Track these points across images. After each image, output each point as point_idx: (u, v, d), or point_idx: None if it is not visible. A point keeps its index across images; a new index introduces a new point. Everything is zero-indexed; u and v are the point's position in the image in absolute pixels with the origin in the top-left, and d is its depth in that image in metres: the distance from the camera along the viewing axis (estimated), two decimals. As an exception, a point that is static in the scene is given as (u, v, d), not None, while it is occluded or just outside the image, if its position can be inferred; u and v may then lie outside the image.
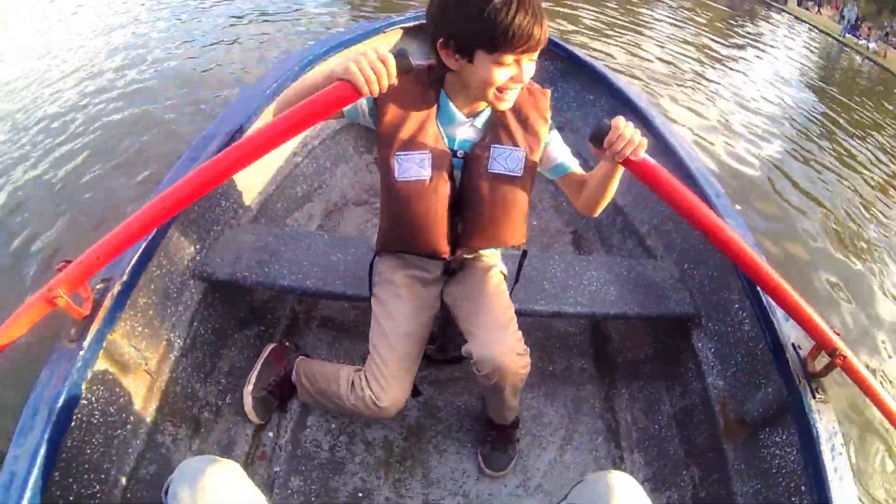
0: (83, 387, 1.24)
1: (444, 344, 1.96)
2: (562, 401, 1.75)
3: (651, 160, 1.22)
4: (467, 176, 1.35)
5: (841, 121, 7.91)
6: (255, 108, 2.02)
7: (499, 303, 1.49)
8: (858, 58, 18.20)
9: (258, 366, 1.81)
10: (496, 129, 1.34)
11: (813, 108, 8.18)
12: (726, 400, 1.68)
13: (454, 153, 1.34)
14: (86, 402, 1.26)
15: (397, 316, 1.48)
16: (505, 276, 1.63)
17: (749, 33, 14.20)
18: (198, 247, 1.80)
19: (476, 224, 1.40)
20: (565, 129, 2.90)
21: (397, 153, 1.30)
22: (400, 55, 1.07)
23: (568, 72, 3.07)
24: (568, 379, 2.03)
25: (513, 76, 1.20)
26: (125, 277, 1.37)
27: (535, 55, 1.20)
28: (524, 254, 1.61)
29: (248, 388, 1.77)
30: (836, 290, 3.68)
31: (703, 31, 12.36)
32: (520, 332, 1.46)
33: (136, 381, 1.49)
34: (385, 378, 1.42)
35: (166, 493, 0.92)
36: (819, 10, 29.44)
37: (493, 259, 1.61)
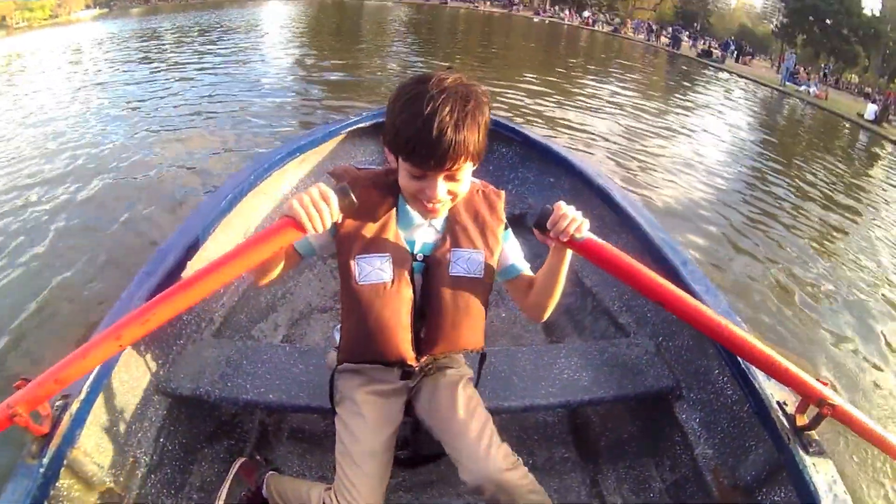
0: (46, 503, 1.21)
1: (417, 447, 1.87)
2: (546, 492, 1.65)
3: (596, 238, 1.24)
4: (428, 279, 1.34)
5: (792, 169, 8.21)
6: (211, 220, 2.01)
7: (477, 421, 1.42)
8: (801, 104, 19.00)
9: (227, 482, 1.72)
10: (455, 231, 1.34)
11: (763, 161, 8.54)
12: (718, 467, 1.63)
13: (414, 257, 1.33)
14: None
15: (360, 435, 1.41)
16: (472, 380, 1.57)
17: (693, 95, 14.89)
18: (160, 362, 1.76)
19: (437, 329, 1.36)
20: (528, 216, 2.91)
21: (357, 256, 1.29)
22: (342, 191, 1.12)
23: (526, 156, 3.10)
24: (550, 470, 1.94)
25: (423, 189, 1.20)
26: (83, 395, 1.34)
27: (457, 173, 1.20)
28: (482, 357, 1.55)
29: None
30: (819, 333, 3.71)
31: (648, 97, 12.94)
32: (505, 446, 1.39)
33: (102, 499, 1.44)
34: (353, 498, 1.35)
35: None
36: (750, 61, 30.90)
37: (459, 368, 1.56)
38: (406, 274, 1.31)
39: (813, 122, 15.84)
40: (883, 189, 8.85)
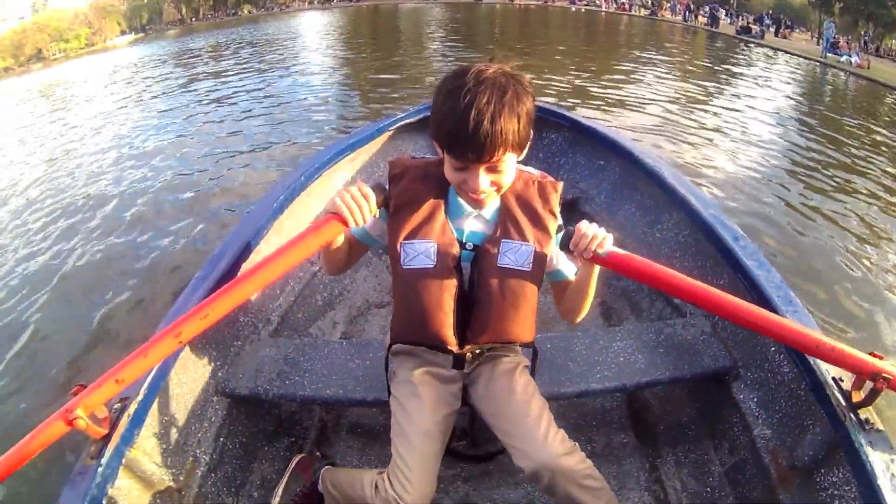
0: (104, 502, 1.24)
1: (475, 439, 1.90)
2: (605, 480, 1.66)
3: (620, 251, 1.29)
4: (477, 269, 1.37)
5: (841, 140, 7.94)
6: (264, 222, 2.06)
7: (534, 407, 1.44)
8: (843, 74, 18.38)
9: (285, 477, 1.78)
10: (506, 222, 1.36)
11: (810, 135, 8.27)
12: (776, 448, 1.60)
13: (463, 245, 1.36)
14: None
15: (415, 415, 1.45)
16: (527, 366, 1.59)
17: (734, 73, 14.53)
18: (219, 363, 1.81)
19: (485, 318, 1.39)
20: (581, 201, 2.93)
21: (404, 241, 1.34)
22: (379, 188, 1.26)
23: (575, 141, 3.10)
24: (609, 456, 1.93)
25: (466, 181, 1.24)
26: (141, 396, 1.39)
27: (499, 165, 1.23)
28: (535, 353, 1.57)
29: (275, 500, 1.73)
30: (871, 292, 3.64)
31: (690, 77, 12.72)
32: (562, 432, 1.41)
33: (163, 498, 1.47)
34: (407, 478, 1.38)
35: None
36: (790, 34, 30.02)
37: (515, 356, 1.57)
38: (451, 261, 1.34)
39: (857, 93, 15.30)
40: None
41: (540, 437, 1.37)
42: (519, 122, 1.18)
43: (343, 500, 1.59)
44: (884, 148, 8.13)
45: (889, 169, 6.82)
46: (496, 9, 41.61)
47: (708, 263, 2.07)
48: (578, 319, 1.49)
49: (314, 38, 22.14)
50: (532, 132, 1.27)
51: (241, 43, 21.34)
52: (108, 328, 3.37)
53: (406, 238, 1.34)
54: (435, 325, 1.38)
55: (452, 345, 1.40)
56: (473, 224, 1.37)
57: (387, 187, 1.29)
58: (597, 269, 1.35)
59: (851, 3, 33.65)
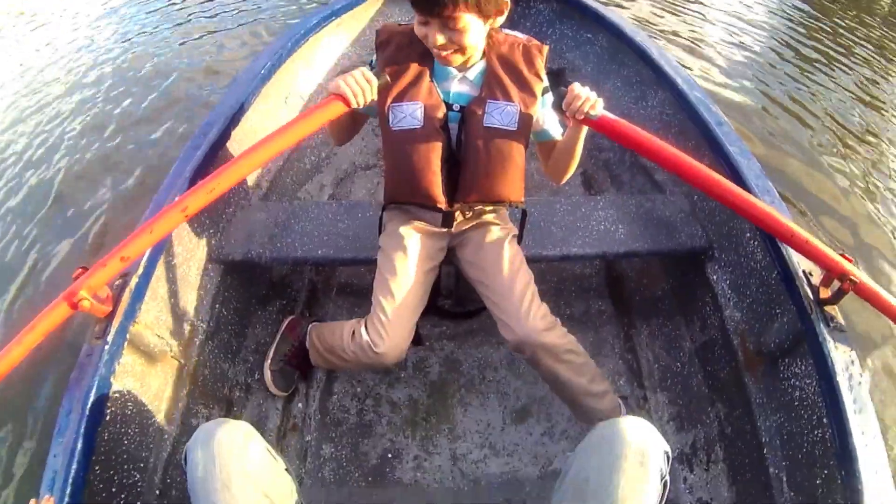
0: (112, 380, 1.28)
1: (459, 298, 1.97)
2: (581, 344, 1.69)
3: (610, 115, 1.32)
4: (464, 130, 1.40)
5: (824, 22, 7.75)
6: (251, 89, 2.03)
7: (520, 282, 1.50)
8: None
9: (276, 341, 1.86)
10: (491, 84, 1.38)
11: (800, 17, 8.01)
12: (745, 332, 1.66)
13: (450, 106, 1.39)
14: (117, 395, 1.31)
15: (398, 266, 1.51)
16: (515, 235, 1.63)
17: None
18: (211, 231, 1.82)
19: (472, 177, 1.43)
20: (566, 72, 2.88)
21: (392, 104, 1.38)
22: (379, 74, 1.32)
23: (563, 13, 3.02)
24: (587, 322, 2.02)
25: (426, 36, 1.29)
26: (141, 270, 1.41)
27: (457, 23, 1.24)
28: (524, 214, 1.61)
29: (267, 362, 1.82)
30: (848, 196, 3.62)
31: None
32: (544, 306, 1.48)
33: (165, 369, 1.53)
34: (383, 326, 1.46)
35: (185, 460, 0.96)
36: None
37: (504, 224, 1.62)
38: (438, 122, 1.38)
39: None
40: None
41: (523, 312, 1.44)
42: None
43: (325, 351, 1.68)
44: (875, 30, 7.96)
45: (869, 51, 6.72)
46: None
47: (690, 144, 2.06)
48: (564, 180, 1.54)
49: None
50: (501, 3, 1.29)
51: None
52: (101, 213, 3.29)
53: (394, 101, 1.38)
54: (424, 184, 1.42)
55: (441, 203, 1.45)
56: (459, 86, 1.40)
57: (386, 75, 1.34)
58: (584, 130, 1.38)
59: None
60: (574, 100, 1.28)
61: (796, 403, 1.40)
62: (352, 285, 2.20)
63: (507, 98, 1.37)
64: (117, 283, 1.36)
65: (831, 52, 6.75)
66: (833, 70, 6.09)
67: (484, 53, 1.39)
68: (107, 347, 1.26)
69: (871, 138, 4.58)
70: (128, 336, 1.35)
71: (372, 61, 1.44)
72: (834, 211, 3.46)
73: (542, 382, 1.75)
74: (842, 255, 1.26)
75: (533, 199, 1.87)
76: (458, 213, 1.55)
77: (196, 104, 4.33)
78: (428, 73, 1.38)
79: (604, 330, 2.01)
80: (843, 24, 8.23)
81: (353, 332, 1.51)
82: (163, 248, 1.54)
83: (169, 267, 1.62)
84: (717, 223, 1.89)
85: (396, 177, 1.48)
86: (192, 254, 1.73)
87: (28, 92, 5.31)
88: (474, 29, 1.27)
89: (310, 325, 1.81)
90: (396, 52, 1.39)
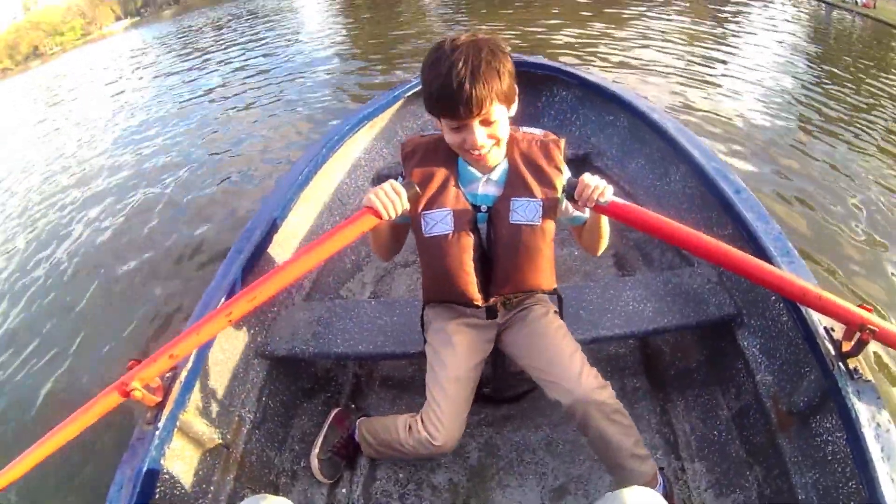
0: (162, 463, 1.37)
1: (497, 385, 2.02)
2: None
3: (620, 201, 1.38)
4: (492, 228, 1.48)
5: (846, 84, 7.84)
6: (291, 195, 2.17)
7: (568, 346, 1.57)
8: (849, 15, 17.91)
9: (324, 430, 1.92)
10: (514, 182, 1.46)
11: (815, 77, 8.03)
12: (777, 394, 1.68)
13: (478, 208, 1.48)
14: (167, 477, 1.40)
15: (448, 361, 1.58)
16: (556, 311, 1.70)
17: (735, 17, 14.14)
18: (256, 329, 1.94)
19: (504, 272, 1.51)
20: (593, 156, 2.98)
21: (423, 212, 1.46)
22: (409, 185, 1.38)
23: (584, 97, 3.16)
24: (622, 399, 1.95)
25: (465, 139, 1.34)
26: (190, 364, 1.50)
27: (490, 117, 1.33)
28: (559, 299, 1.69)
29: (315, 451, 1.87)
30: (871, 250, 3.64)
31: (689, 22, 12.33)
32: (595, 369, 1.54)
33: (213, 456, 1.61)
34: (440, 419, 1.52)
35: None
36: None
37: (543, 303, 1.69)
38: (468, 225, 1.46)
39: (863, 34, 15.01)
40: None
41: (575, 372, 1.50)
42: (499, 76, 1.29)
43: (378, 445, 1.75)
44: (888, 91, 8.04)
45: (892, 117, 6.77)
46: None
47: (713, 215, 2.13)
48: (600, 252, 1.61)
49: (313, 8, 21.44)
50: (516, 87, 1.38)
51: (238, 19, 20.98)
52: (146, 309, 3.54)
53: (424, 209, 1.46)
54: (460, 285, 1.50)
55: (478, 300, 1.53)
56: (484, 188, 1.48)
57: (416, 186, 1.41)
58: (603, 216, 1.46)
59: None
60: (584, 189, 1.35)
61: (829, 458, 1.41)
62: (393, 378, 2.26)
63: (530, 194, 1.44)
64: (168, 374, 1.45)
65: (847, 111, 6.83)
66: (851, 128, 6.17)
67: (505, 155, 1.47)
68: (157, 433, 1.35)
69: (886, 187, 4.62)
70: (178, 423, 1.44)
71: (402, 172, 1.52)
72: (859, 262, 3.48)
73: (579, 461, 1.81)
74: (860, 306, 1.27)
75: (563, 285, 1.94)
76: (498, 306, 1.63)
77: (241, 204, 4.60)
78: (454, 178, 1.47)
79: (639, 405, 2.02)
80: (861, 81, 8.36)
81: (410, 427, 1.58)
82: (211, 343, 1.65)
83: (217, 361, 1.73)
84: (743, 289, 1.92)
85: (433, 279, 1.56)
86: (238, 349, 1.84)
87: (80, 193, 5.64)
88: (503, 118, 1.36)
89: (358, 420, 1.89)
90: (422, 162, 1.47)
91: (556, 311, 1.69)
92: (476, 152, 1.37)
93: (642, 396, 2.06)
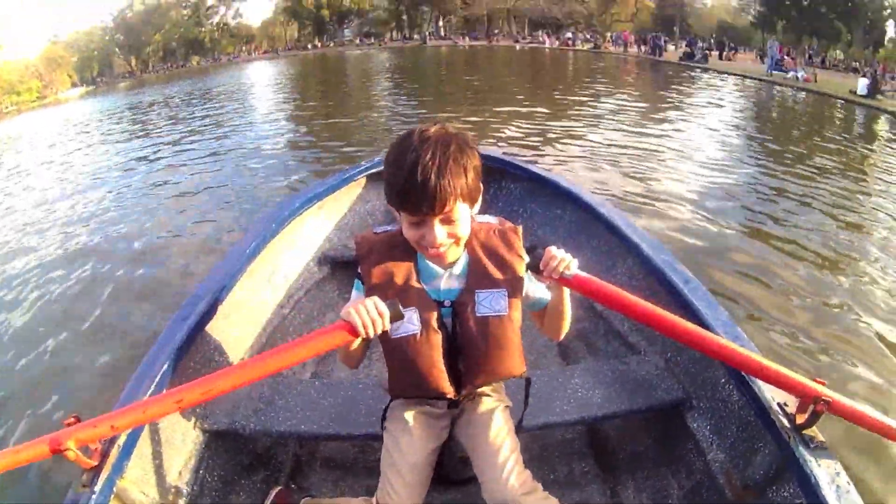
0: None
1: (446, 468, 1.95)
2: None
3: (583, 274, 1.38)
4: (458, 322, 1.44)
5: (789, 155, 8.22)
6: (238, 267, 2.18)
7: (505, 448, 1.53)
8: (791, 91, 18.85)
9: None
10: (476, 274, 1.43)
11: (761, 153, 8.56)
12: (730, 470, 1.68)
13: (441, 304, 1.44)
14: None
15: (406, 448, 1.53)
16: (509, 407, 1.67)
17: (681, 100, 14.88)
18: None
19: (474, 364, 1.47)
20: (538, 248, 3.05)
21: None
22: (392, 305, 1.29)
23: (533, 191, 3.22)
24: (571, 483, 2.02)
25: (424, 235, 1.31)
26: (130, 430, 1.44)
27: (451, 215, 1.29)
28: (528, 382, 1.65)
29: None
30: (822, 315, 3.78)
31: (637, 109, 13.00)
32: (527, 472, 1.50)
33: None
34: None
35: None
36: (735, 56, 30.78)
37: (496, 396, 1.66)
38: (434, 322, 1.42)
39: (806, 107, 15.71)
40: (888, 164, 8.71)
41: (504, 475, 1.45)
42: (465, 173, 1.26)
43: None
44: (834, 157, 8.40)
45: (839, 179, 7.07)
46: (441, 51, 42.44)
47: (661, 306, 2.18)
48: (563, 334, 1.58)
49: (264, 90, 22.41)
50: (481, 185, 1.36)
51: (192, 97, 21.66)
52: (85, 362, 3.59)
53: None
54: (431, 382, 1.46)
55: (450, 393, 1.49)
56: (447, 283, 1.44)
57: (399, 306, 1.33)
58: (567, 291, 1.46)
59: (794, 20, 34.90)
60: (550, 261, 1.35)
61: None
62: (336, 459, 2.20)
63: (494, 285, 1.43)
64: (106, 438, 1.39)
65: (795, 170, 7.13)
66: (793, 190, 6.45)
67: (464, 247, 1.44)
68: (94, 497, 1.29)
69: (838, 258, 4.80)
70: (115, 490, 1.39)
71: (358, 275, 1.48)
72: (810, 331, 3.59)
73: None
74: (814, 380, 1.30)
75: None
76: (464, 398, 1.60)
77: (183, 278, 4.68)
78: (415, 275, 1.43)
79: (589, 488, 2.00)
80: (798, 145, 8.77)
81: None
82: None
83: (156, 430, 1.68)
84: (692, 374, 1.95)
85: (402, 377, 1.51)
86: (178, 419, 1.79)
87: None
88: (465, 217, 1.33)
89: (302, 501, 1.79)
90: (380, 261, 1.43)
91: (507, 406, 1.66)
92: (433, 250, 1.34)
93: (591, 480, 2.04)
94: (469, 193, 1.29)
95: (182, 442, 1.79)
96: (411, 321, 1.41)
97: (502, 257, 1.44)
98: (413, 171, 1.21)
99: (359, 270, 1.42)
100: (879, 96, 16.79)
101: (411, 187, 1.23)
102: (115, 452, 1.39)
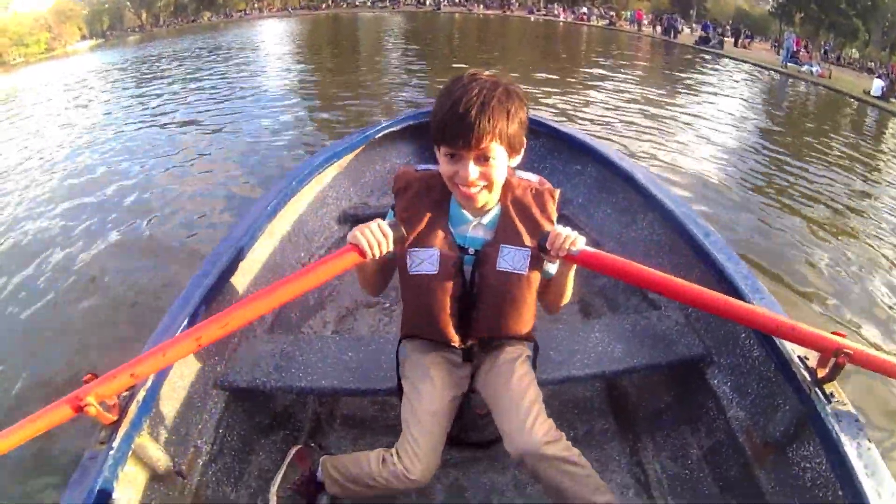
0: (115, 486, 1.30)
1: (465, 427, 1.96)
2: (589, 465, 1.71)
3: (590, 249, 1.38)
4: (477, 272, 1.47)
5: (801, 152, 8.21)
6: (258, 224, 2.17)
7: (527, 398, 1.53)
8: (804, 84, 18.67)
9: (283, 467, 1.85)
10: (505, 228, 1.45)
11: (771, 146, 8.50)
12: (750, 428, 1.69)
13: (465, 250, 1.46)
14: (119, 502, 1.32)
15: (426, 395, 1.55)
16: (530, 356, 1.67)
17: (694, 84, 14.72)
18: (216, 358, 1.88)
19: (484, 316, 1.51)
20: (560, 203, 3.06)
21: (410, 248, 1.45)
22: (395, 227, 1.37)
23: (553, 147, 3.22)
24: (591, 441, 2.02)
25: (458, 171, 1.32)
26: (149, 384, 1.45)
27: (487, 154, 1.31)
28: (535, 347, 1.67)
29: (273, 489, 1.79)
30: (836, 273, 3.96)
31: (649, 90, 12.83)
32: (550, 421, 1.50)
33: (167, 484, 1.56)
34: (416, 453, 1.48)
35: None
36: (750, 44, 30.45)
37: (517, 346, 1.66)
38: (453, 267, 1.45)
39: (819, 103, 15.60)
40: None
41: (528, 424, 1.45)
42: (508, 117, 1.28)
43: (346, 481, 1.66)
44: (844, 157, 8.38)
45: (843, 178, 7.08)
46: (455, 17, 41.76)
47: (681, 260, 2.18)
48: (560, 308, 1.62)
49: (275, 49, 22.05)
50: (525, 139, 1.38)
51: (203, 52, 21.27)
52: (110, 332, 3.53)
53: (411, 246, 1.45)
54: (439, 325, 1.50)
55: (455, 341, 1.52)
56: (474, 231, 1.46)
57: (402, 228, 1.41)
58: (573, 268, 1.47)
59: (812, 13, 34.47)
60: (556, 239, 1.35)
61: (809, 484, 1.42)
62: (356, 417, 2.21)
63: (520, 243, 1.44)
64: (124, 393, 1.39)
65: (798, 165, 7.15)
66: (802, 180, 6.47)
67: (499, 200, 1.46)
68: (111, 453, 1.29)
69: (853, 217, 4.89)
70: (133, 446, 1.38)
71: (391, 207, 1.51)
72: (825, 292, 3.76)
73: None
74: (834, 333, 1.30)
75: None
76: (474, 348, 1.61)
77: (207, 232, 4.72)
78: (444, 218, 1.46)
79: (609, 446, 2.01)
80: (809, 139, 8.76)
81: (384, 460, 1.52)
82: (170, 368, 1.60)
83: (174, 388, 1.69)
84: (712, 329, 1.95)
85: (413, 315, 1.57)
86: (197, 378, 1.80)
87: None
88: (502, 163, 1.35)
89: (322, 458, 1.80)
90: (414, 199, 1.46)
91: (528, 356, 1.67)
92: (465, 188, 1.35)
93: (611, 438, 2.05)
94: (508, 139, 1.31)
95: (202, 401, 1.80)
96: (430, 261, 1.44)
97: (534, 217, 1.45)
98: (456, 104, 1.25)
99: (400, 232, 1.42)
100: (893, 99, 16.57)
101: (451, 119, 1.26)
102: (133, 408, 1.39)
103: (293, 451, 1.89)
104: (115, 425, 1.34)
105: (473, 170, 1.31)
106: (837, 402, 1.32)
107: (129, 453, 1.37)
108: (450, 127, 1.27)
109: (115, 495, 1.30)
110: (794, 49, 23.37)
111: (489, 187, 1.37)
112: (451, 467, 1.96)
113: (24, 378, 3.07)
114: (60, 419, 1.20)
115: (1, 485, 2.39)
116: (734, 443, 1.73)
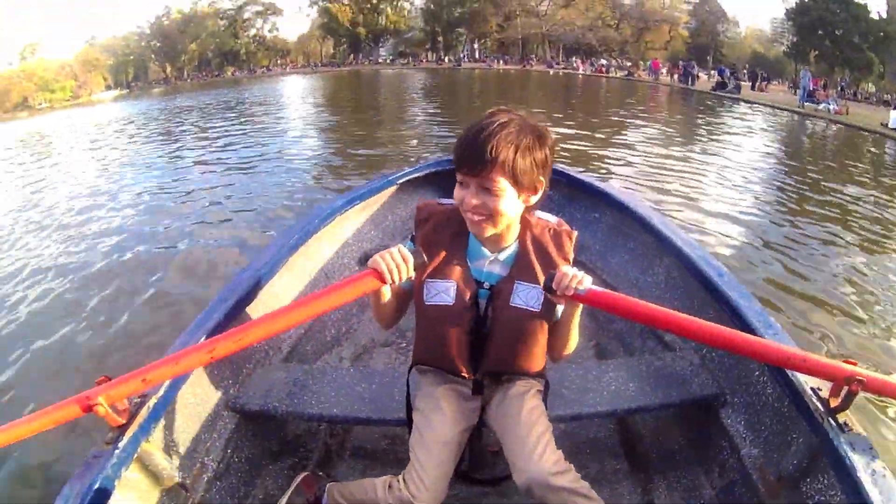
0: (116, 486, 1.30)
1: (474, 462, 1.92)
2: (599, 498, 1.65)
3: (597, 288, 1.36)
4: (491, 307, 1.48)
5: (821, 189, 8.21)
6: (278, 258, 2.25)
7: (536, 428, 1.52)
8: (822, 123, 18.51)
9: (289, 492, 1.78)
10: (521, 265, 1.48)
11: (791, 185, 8.53)
12: (763, 465, 1.66)
13: (481, 284, 1.49)
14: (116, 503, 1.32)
15: (436, 424, 1.54)
16: (541, 391, 1.67)
17: (712, 130, 14.74)
18: (230, 381, 1.92)
19: (496, 351, 1.52)
20: (576, 251, 3.15)
21: (427, 279, 1.48)
22: (417, 254, 1.38)
23: (572, 196, 3.28)
24: (602, 481, 1.97)
25: (463, 198, 1.37)
26: (161, 394, 1.48)
27: (493, 185, 1.32)
28: (546, 384, 1.67)
29: None
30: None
31: (670, 135, 13.04)
32: (559, 452, 1.48)
33: (170, 495, 1.55)
34: (423, 480, 1.46)
35: None
36: (767, 86, 30.59)
37: (528, 381, 1.66)
38: (469, 300, 1.47)
39: (837, 140, 15.43)
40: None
41: (536, 454, 1.45)
42: (517, 153, 1.30)
43: None
44: (863, 190, 8.40)
45: (866, 212, 7.09)
46: (475, 73, 42.49)
47: (696, 301, 2.21)
48: (561, 357, 1.61)
49: (298, 104, 22.55)
50: (542, 180, 1.39)
51: (226, 106, 21.82)
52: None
53: (429, 276, 1.47)
54: (451, 356, 1.53)
55: (465, 373, 1.55)
56: (490, 266, 1.49)
57: (423, 255, 1.41)
58: (579, 309, 1.45)
59: (826, 50, 34.68)
60: (563, 279, 1.34)
61: None
62: (366, 449, 2.20)
63: (534, 281, 1.45)
64: (136, 400, 1.42)
65: (818, 200, 7.31)
66: (823, 216, 6.64)
67: (517, 237, 1.49)
68: (116, 453, 1.30)
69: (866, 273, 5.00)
70: (138, 451, 1.40)
71: (412, 236, 1.54)
72: (839, 326, 3.80)
73: None
74: (845, 361, 1.27)
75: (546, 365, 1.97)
76: (485, 381, 1.61)
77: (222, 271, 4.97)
78: (462, 252, 1.49)
79: (620, 487, 1.98)
80: (826, 177, 8.90)
81: (390, 486, 1.51)
82: (183, 382, 1.62)
83: (187, 403, 1.72)
84: (726, 369, 1.95)
85: (426, 344, 1.58)
86: (210, 397, 1.84)
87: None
88: (508, 197, 1.34)
89: (329, 484, 1.76)
90: (435, 230, 1.49)
91: (539, 390, 1.66)
92: (468, 215, 1.38)
93: (622, 478, 2.02)
94: (515, 174, 1.32)
95: (212, 420, 1.82)
96: (447, 292, 1.47)
97: (550, 256, 1.48)
98: (470, 130, 1.32)
99: (421, 258, 1.42)
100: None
101: (464, 142, 1.32)
102: (143, 413, 1.41)
103: (300, 476, 1.82)
104: (123, 428, 1.35)
105: (475, 199, 1.34)
106: (851, 431, 1.30)
107: (134, 457, 1.39)
108: (460, 152, 1.33)
109: (114, 495, 1.30)
110: (811, 88, 23.38)
111: (492, 220, 1.38)
112: (458, 502, 1.91)
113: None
114: (68, 416, 1.21)
115: (2, 485, 2.51)
116: (748, 481, 1.70)
